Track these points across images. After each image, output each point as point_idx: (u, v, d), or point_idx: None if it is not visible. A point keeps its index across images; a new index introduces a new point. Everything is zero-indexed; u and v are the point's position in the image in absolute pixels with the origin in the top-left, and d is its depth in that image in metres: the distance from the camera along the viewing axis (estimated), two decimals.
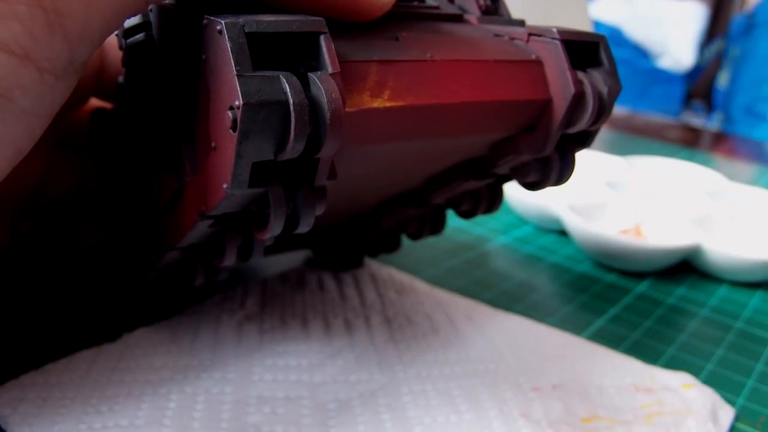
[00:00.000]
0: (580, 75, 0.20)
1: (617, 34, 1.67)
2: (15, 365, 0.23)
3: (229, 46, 0.14)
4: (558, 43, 0.20)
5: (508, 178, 0.26)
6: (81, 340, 0.25)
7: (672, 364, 0.28)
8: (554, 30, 0.21)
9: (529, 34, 0.21)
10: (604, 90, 0.20)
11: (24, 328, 0.26)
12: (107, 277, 0.30)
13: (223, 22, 0.15)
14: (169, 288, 0.28)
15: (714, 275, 0.37)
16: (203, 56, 0.16)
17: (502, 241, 0.40)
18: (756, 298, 0.35)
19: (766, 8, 1.49)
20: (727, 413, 0.24)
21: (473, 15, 0.24)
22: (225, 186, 0.16)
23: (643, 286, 0.35)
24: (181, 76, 0.18)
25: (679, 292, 0.35)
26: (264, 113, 0.14)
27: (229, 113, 0.15)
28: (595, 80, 0.21)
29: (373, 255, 0.34)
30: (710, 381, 0.27)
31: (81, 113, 0.27)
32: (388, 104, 0.17)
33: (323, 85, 0.15)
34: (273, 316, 0.28)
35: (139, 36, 0.20)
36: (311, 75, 0.15)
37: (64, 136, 0.26)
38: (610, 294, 0.34)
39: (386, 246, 0.32)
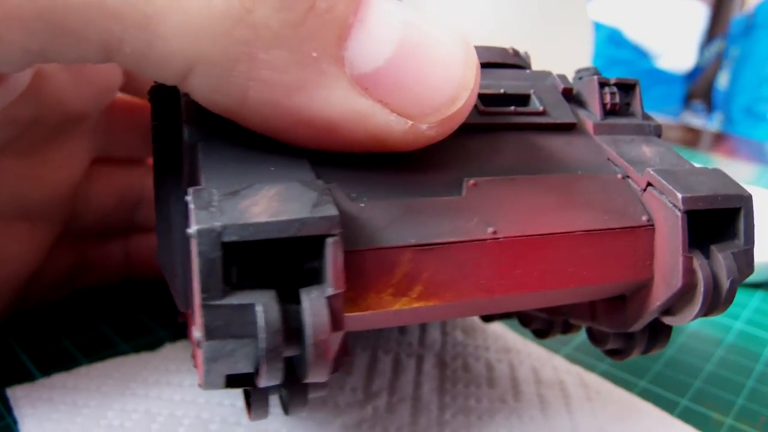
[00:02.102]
0: (696, 263, 0.15)
1: (617, 34, 1.67)
2: (53, 364, 0.24)
3: (198, 263, 0.11)
4: (679, 214, 0.15)
5: None
6: (124, 344, 0.26)
7: (671, 365, 0.28)
8: (678, 195, 0.15)
9: (648, 184, 0.16)
10: (725, 282, 0.15)
11: (72, 328, 0.27)
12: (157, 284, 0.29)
13: (195, 228, 0.11)
14: None
15: None
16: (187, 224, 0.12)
17: None
18: (756, 298, 0.35)
19: (766, 8, 1.49)
20: None
21: (591, 118, 0.19)
22: (198, 383, 0.13)
23: None
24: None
25: None
26: (231, 346, 0.12)
27: (195, 332, 0.12)
28: (716, 267, 0.16)
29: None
30: (710, 381, 0.27)
31: (114, 118, 0.26)
32: (414, 305, 0.13)
33: (313, 319, 0.12)
34: None
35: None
36: (304, 296, 0.12)
37: (100, 145, 0.26)
38: None
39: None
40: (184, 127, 0.14)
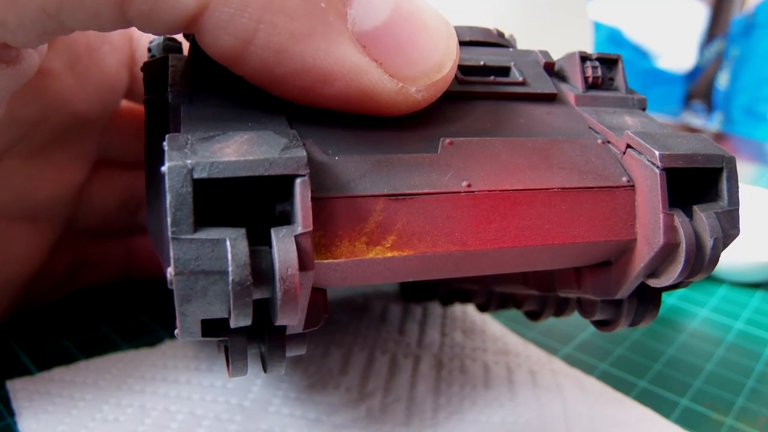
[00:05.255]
0: (678, 220, 0.15)
1: (617, 35, 1.67)
2: (53, 365, 0.24)
3: (168, 198, 0.11)
4: (657, 171, 0.15)
5: None
6: (124, 344, 0.26)
7: (671, 364, 0.28)
8: (656, 152, 0.15)
9: (627, 146, 0.16)
10: (709, 242, 0.15)
11: (72, 328, 0.27)
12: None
13: (167, 165, 0.11)
14: None
15: (714, 275, 0.37)
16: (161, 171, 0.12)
17: None
18: (756, 299, 0.35)
19: (766, 8, 1.49)
20: None
21: (573, 91, 0.19)
22: (176, 331, 0.13)
23: None
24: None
25: (678, 292, 0.35)
26: (202, 283, 0.12)
27: (168, 271, 0.12)
28: (699, 226, 0.15)
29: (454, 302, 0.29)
30: (710, 381, 0.27)
31: (119, 122, 0.26)
32: (389, 254, 0.13)
33: (280, 254, 0.12)
34: (318, 344, 0.26)
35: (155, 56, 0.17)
36: (274, 234, 0.12)
37: (104, 147, 0.26)
38: None
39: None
40: (169, 91, 0.15)
